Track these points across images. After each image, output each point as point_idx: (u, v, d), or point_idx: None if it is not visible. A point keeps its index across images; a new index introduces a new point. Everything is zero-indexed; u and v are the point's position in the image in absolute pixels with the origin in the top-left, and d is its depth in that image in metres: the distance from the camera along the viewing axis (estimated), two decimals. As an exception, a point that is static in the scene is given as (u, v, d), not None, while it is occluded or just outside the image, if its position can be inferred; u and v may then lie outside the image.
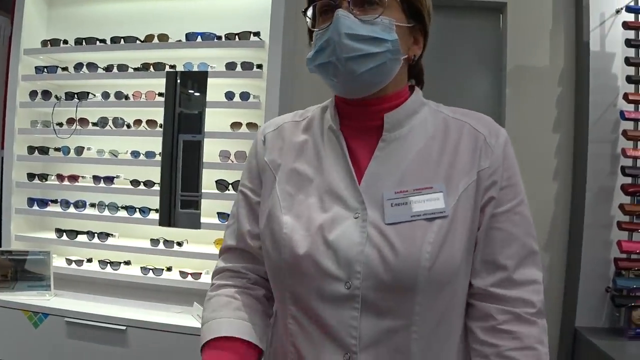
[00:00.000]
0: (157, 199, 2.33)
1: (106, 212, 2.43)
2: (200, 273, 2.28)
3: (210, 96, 2.29)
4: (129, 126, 2.45)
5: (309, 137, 0.88)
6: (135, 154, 2.41)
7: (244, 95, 2.28)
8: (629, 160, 2.28)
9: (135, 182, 2.39)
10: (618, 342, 2.21)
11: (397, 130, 0.82)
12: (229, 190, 2.27)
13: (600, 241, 2.37)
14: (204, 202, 2.29)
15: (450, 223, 0.76)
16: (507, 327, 0.78)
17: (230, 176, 2.29)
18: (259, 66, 2.28)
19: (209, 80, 2.29)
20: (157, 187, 2.34)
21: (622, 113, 2.27)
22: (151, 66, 2.42)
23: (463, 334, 0.83)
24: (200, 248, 2.32)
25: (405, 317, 0.75)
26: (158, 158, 2.35)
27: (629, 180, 2.27)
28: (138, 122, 2.42)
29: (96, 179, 2.44)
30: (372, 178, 0.80)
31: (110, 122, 2.46)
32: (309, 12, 0.85)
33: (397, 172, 0.80)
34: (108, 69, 2.48)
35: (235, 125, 2.30)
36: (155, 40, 2.42)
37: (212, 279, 0.93)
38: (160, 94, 2.37)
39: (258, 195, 0.89)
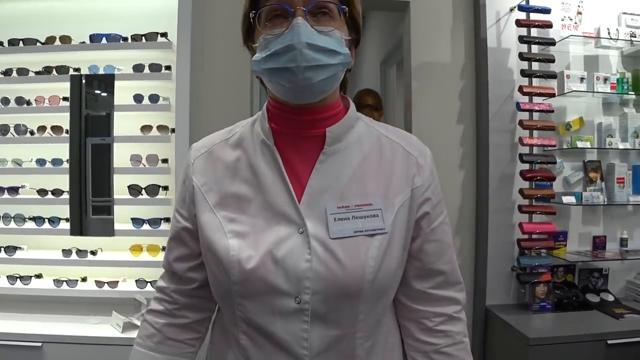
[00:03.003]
0: (67, 207, 2.24)
1: (12, 225, 2.31)
2: (117, 281, 2.23)
3: (119, 99, 2.23)
4: (32, 133, 2.33)
5: (241, 153, 0.88)
6: (41, 161, 2.30)
7: (153, 98, 2.23)
8: (525, 148, 2.46)
9: (42, 192, 2.28)
10: (524, 316, 2.39)
11: (336, 144, 0.85)
12: (142, 195, 2.22)
13: (504, 224, 2.54)
14: (117, 209, 2.23)
15: (389, 238, 0.82)
16: (441, 327, 0.91)
17: (143, 180, 2.24)
18: (168, 67, 2.24)
19: (116, 83, 2.23)
20: (66, 196, 2.25)
21: (518, 104, 2.44)
22: (54, 69, 2.31)
23: (395, 327, 0.95)
24: (115, 255, 2.26)
25: (350, 325, 0.81)
26: (66, 165, 2.25)
27: (526, 166, 2.45)
28: (42, 128, 2.31)
29: (-1, 190, 2.32)
30: (314, 192, 0.82)
31: (12, 129, 2.33)
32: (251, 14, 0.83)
33: (338, 187, 0.83)
34: (7, 72, 2.34)
35: (146, 128, 2.25)
36: (57, 42, 2.31)
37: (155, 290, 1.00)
38: (65, 99, 2.27)
39: (186, 220, 0.90)
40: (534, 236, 2.46)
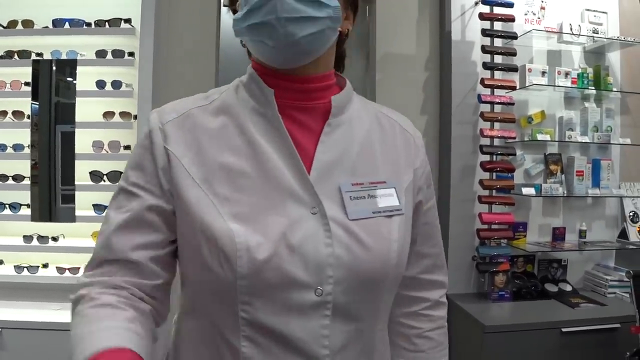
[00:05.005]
0: (28, 193, 2.23)
1: (-28, 210, 2.30)
2: (79, 267, 2.22)
3: (81, 85, 2.22)
4: (-7, 118, 2.31)
5: (227, 120, 0.74)
6: (2, 147, 2.28)
7: (116, 84, 2.23)
8: (486, 140, 2.50)
9: (3, 177, 2.26)
10: (483, 305, 2.44)
11: (340, 116, 0.77)
12: (104, 181, 2.22)
13: (465, 215, 2.59)
14: (78, 195, 2.23)
15: (405, 219, 0.77)
16: (427, 312, 0.91)
17: (104, 167, 2.24)
18: (131, 54, 2.23)
19: (79, 69, 2.23)
20: (27, 182, 2.24)
21: (479, 97, 2.48)
22: (15, 54, 2.28)
23: None
24: (77, 242, 2.26)
25: (372, 316, 0.74)
26: (27, 151, 2.24)
27: (487, 157, 2.50)
28: (3, 113, 2.29)
29: (-41, 175, 2.29)
30: (323, 167, 0.72)
31: (-28, 114, 2.31)
32: None
33: (349, 162, 0.75)
34: (-33, 56, 2.32)
35: (108, 114, 2.24)
36: (20, 26, 2.29)
37: (73, 295, 0.71)
38: (26, 84, 2.25)
39: (156, 197, 0.72)
40: (493, 226, 2.51)
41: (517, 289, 2.53)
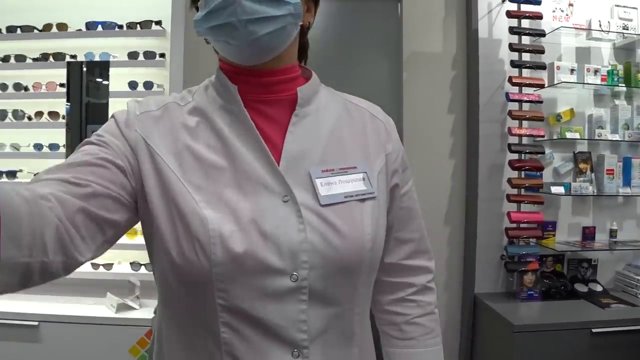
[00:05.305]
0: (63, 191, 2.29)
1: (10, 208, 2.37)
2: (112, 264, 2.28)
3: (114, 86, 2.28)
4: (30, 118, 2.38)
5: (200, 119, 0.76)
6: (38, 146, 2.35)
7: (148, 85, 2.28)
8: (515, 138, 2.49)
9: (39, 176, 2.33)
10: (512, 304, 2.43)
11: (306, 107, 0.78)
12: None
13: (494, 213, 2.57)
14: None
15: (378, 203, 0.77)
16: (413, 297, 0.90)
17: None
18: (162, 55, 2.28)
19: (112, 70, 2.28)
20: (62, 180, 2.30)
21: (507, 95, 2.47)
22: (51, 56, 2.36)
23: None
24: (110, 239, 2.32)
25: (350, 300, 0.74)
26: (62, 150, 2.30)
27: (515, 156, 2.48)
28: (39, 113, 2.36)
29: (-3, 173, 2.37)
30: (292, 157, 0.73)
31: (9, 114, 2.39)
32: None
33: (317, 151, 0.76)
34: (5, 59, 2.40)
35: (140, 114, 2.29)
36: (54, 29, 2.36)
37: None
38: (61, 85, 2.32)
39: (117, 158, 0.69)
40: (521, 225, 2.49)
41: (546, 288, 2.51)
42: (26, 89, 2.38)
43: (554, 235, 2.62)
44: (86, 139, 0.72)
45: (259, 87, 0.77)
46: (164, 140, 0.73)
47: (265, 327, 0.69)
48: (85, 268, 2.30)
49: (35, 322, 2.17)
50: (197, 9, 0.76)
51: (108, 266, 2.27)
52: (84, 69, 2.29)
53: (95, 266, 2.27)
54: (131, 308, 2.20)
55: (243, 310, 0.68)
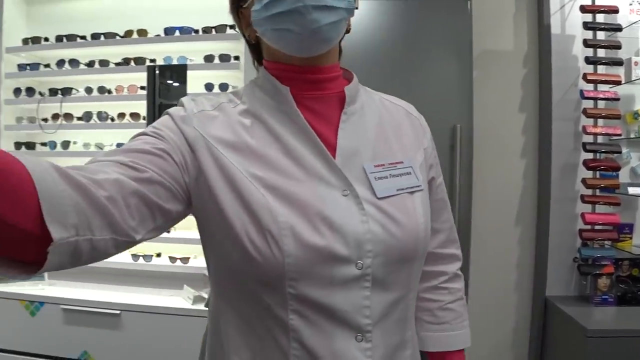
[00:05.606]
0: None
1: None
2: (189, 258, 2.39)
3: (191, 88, 2.38)
4: (113, 119, 2.54)
5: (253, 120, 0.78)
6: (121, 145, 2.48)
7: (223, 86, 2.37)
8: (589, 137, 2.41)
9: (121, 174, 2.47)
10: (585, 309, 2.35)
11: (353, 105, 0.82)
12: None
13: (567, 214, 2.50)
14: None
15: (425, 196, 0.83)
16: (445, 285, 0.97)
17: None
18: (236, 58, 2.37)
19: (189, 73, 2.38)
20: (143, 178, 2.43)
21: (581, 92, 2.39)
22: (132, 61, 2.50)
23: None
24: (187, 233, 2.42)
25: (406, 286, 0.79)
26: (142, 149, 2.43)
27: (590, 155, 2.40)
28: (122, 115, 2.51)
29: (83, 171, 2.52)
30: (347, 153, 0.77)
31: (94, 116, 2.54)
32: None
33: (368, 146, 0.80)
34: (90, 64, 2.56)
35: (216, 115, 2.38)
36: (135, 35, 2.50)
37: None
38: (142, 88, 2.45)
39: (172, 152, 0.71)
40: (596, 227, 2.41)
41: (621, 293, 2.41)
42: (109, 91, 2.53)
43: (631, 238, 2.51)
44: (142, 130, 0.75)
45: (308, 84, 0.80)
46: (222, 137, 0.75)
47: (332, 313, 0.72)
48: (164, 261, 2.43)
49: (117, 311, 2.31)
50: (238, 15, 0.83)
51: (185, 260, 2.38)
52: (164, 72, 2.40)
53: (173, 260, 2.39)
54: (206, 300, 2.29)
55: (312, 298, 0.71)
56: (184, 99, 0.80)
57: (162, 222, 0.69)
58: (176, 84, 2.41)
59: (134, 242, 0.65)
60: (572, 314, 2.27)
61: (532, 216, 2.58)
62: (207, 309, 0.95)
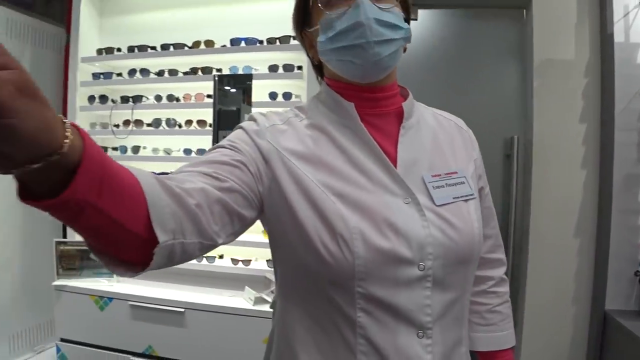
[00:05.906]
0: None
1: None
2: (250, 260, 2.47)
3: (255, 97, 2.46)
4: (180, 126, 2.65)
5: (319, 134, 0.85)
6: (187, 151, 2.62)
7: (287, 95, 2.45)
8: (655, 148, 2.36)
9: (187, 178, 2.58)
10: (647, 324, 2.30)
11: (410, 119, 0.89)
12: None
13: (628, 226, 2.45)
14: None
15: (477, 203, 0.89)
16: (493, 289, 1.05)
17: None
18: (300, 67, 2.44)
19: (254, 82, 2.46)
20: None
21: (647, 102, 2.36)
22: (199, 70, 2.61)
23: None
24: (249, 237, 2.46)
25: (462, 287, 0.85)
26: (208, 155, 2.54)
27: (655, 166, 2.36)
28: (189, 122, 2.63)
29: (152, 175, 2.66)
30: (406, 164, 0.84)
31: (163, 123, 2.67)
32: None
33: (425, 158, 0.86)
34: (159, 73, 2.69)
35: (279, 123, 2.47)
36: (202, 46, 2.61)
37: None
38: (208, 96, 2.55)
39: (248, 163, 0.78)
40: (661, 240, 2.36)
41: (687, 309, 2.35)
42: (178, 99, 2.65)
43: (696, 251, 2.44)
44: (219, 143, 0.82)
45: (370, 102, 0.88)
46: (294, 149, 0.82)
47: (396, 311, 0.78)
48: (226, 263, 2.52)
49: (182, 309, 2.41)
50: (302, 36, 0.92)
51: (246, 262, 2.46)
52: (230, 81, 2.49)
53: (235, 262, 2.47)
54: (267, 302, 2.37)
55: (378, 296, 0.77)
56: (255, 114, 0.88)
57: (239, 227, 0.76)
58: (242, 93, 2.50)
59: (215, 246, 0.72)
60: (632, 329, 2.21)
61: (592, 227, 2.54)
62: (271, 310, 1.02)
